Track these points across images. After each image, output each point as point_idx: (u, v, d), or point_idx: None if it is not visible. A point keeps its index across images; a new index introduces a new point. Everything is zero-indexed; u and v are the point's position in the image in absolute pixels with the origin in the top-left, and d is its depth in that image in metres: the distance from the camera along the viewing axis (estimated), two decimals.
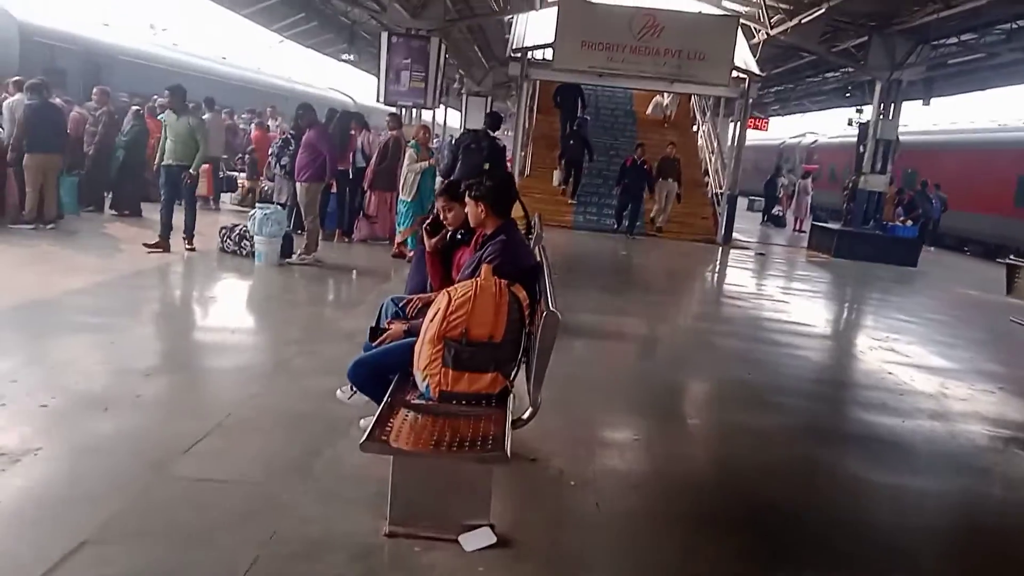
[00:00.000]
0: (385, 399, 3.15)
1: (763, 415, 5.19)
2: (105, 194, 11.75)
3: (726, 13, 16.94)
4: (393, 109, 15.52)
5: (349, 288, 8.90)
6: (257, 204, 9.92)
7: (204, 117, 13.63)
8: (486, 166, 9.11)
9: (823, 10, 14.62)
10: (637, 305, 9.18)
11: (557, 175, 17.10)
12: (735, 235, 16.44)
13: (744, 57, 16.34)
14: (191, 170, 8.70)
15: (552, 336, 2.84)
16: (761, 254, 15.43)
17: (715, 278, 13.01)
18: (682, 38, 15.16)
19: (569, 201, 16.84)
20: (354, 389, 3.82)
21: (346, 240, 11.14)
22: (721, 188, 16.90)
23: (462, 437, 2.90)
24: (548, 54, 15.79)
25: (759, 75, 16.46)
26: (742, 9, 17.40)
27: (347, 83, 33.46)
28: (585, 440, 4.38)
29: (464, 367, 3.14)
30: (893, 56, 16.03)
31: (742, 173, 17.03)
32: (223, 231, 9.33)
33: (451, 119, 35.71)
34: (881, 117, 16.58)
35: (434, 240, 4.20)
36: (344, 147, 11.37)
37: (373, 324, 4.00)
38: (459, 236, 4.14)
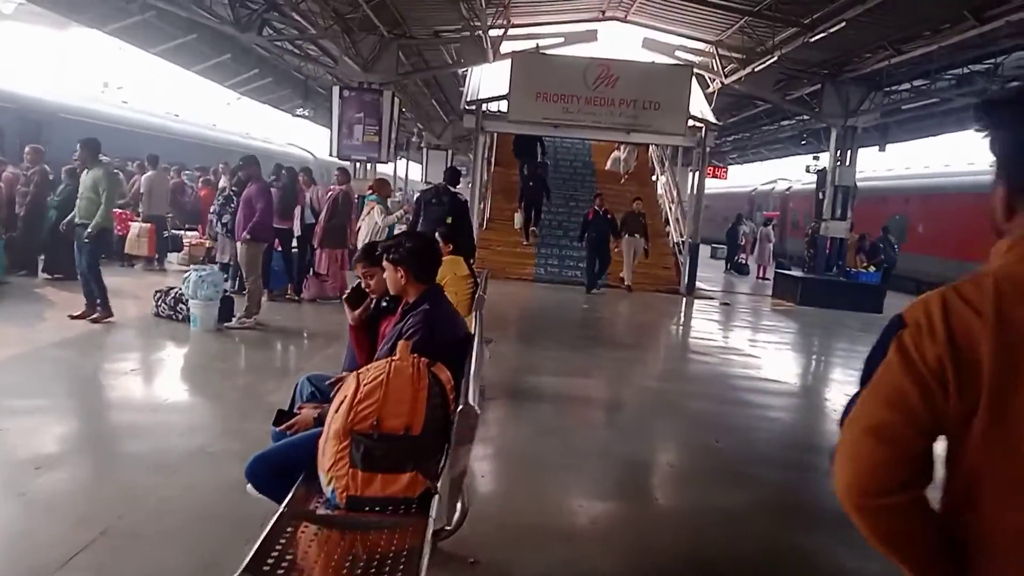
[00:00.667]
0: (280, 509, 2.63)
1: (734, 492, 4.70)
2: (38, 257, 11.13)
3: (679, 63, 16.98)
4: (347, 164, 15.21)
5: (292, 354, 8.33)
6: (192, 266, 9.37)
7: (147, 175, 13.21)
8: (448, 220, 9.05)
9: (775, 58, 14.65)
10: (599, 363, 8.72)
11: (518, 217, 16.87)
12: (699, 284, 16.19)
13: (699, 106, 16.33)
14: (90, 228, 7.89)
15: (468, 436, 2.36)
16: (726, 304, 15.16)
17: (680, 331, 12.64)
18: (637, 88, 15.09)
19: (531, 241, 16.68)
20: None
21: (295, 300, 10.62)
22: (682, 237, 16.71)
23: (371, 555, 2.39)
24: (503, 106, 15.63)
25: (715, 124, 16.42)
26: (696, 59, 17.45)
27: (306, 138, 33.14)
28: (535, 532, 3.88)
29: (376, 467, 2.63)
30: (847, 103, 16.11)
31: (707, 221, 16.87)
32: (157, 294, 8.77)
33: (413, 173, 35.48)
34: (838, 164, 16.59)
35: (356, 312, 3.74)
36: (292, 203, 10.96)
37: (287, 407, 3.49)
38: (384, 304, 3.68)
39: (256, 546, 2.29)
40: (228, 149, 22.23)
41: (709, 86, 17.89)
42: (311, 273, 10.98)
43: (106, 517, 3.60)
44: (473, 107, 15.79)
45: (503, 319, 11.53)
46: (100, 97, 21.76)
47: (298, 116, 22.62)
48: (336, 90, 14.98)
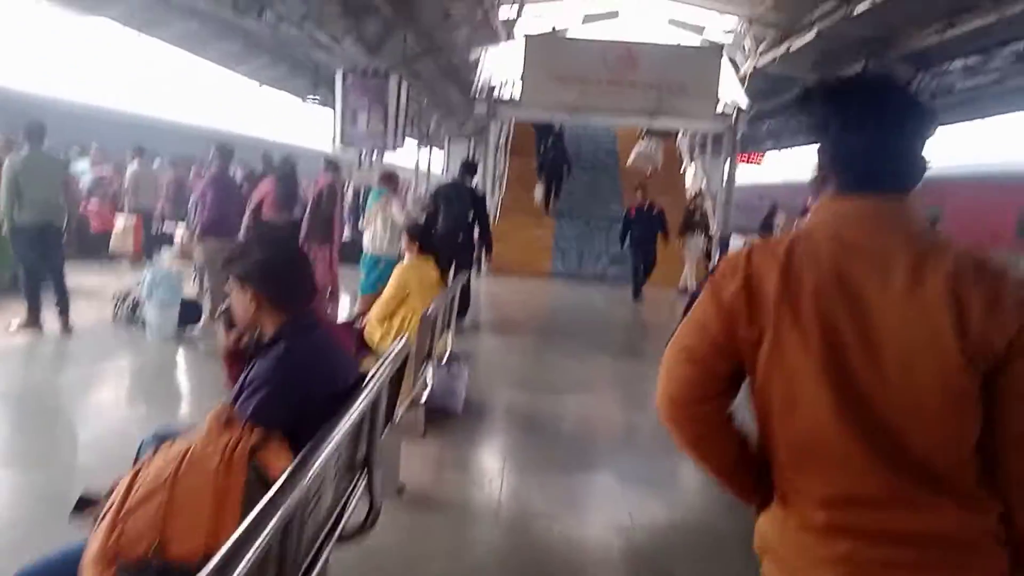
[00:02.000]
0: None
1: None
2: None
3: (709, 43, 15.79)
4: (349, 155, 14.35)
5: None
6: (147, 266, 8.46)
7: (131, 170, 12.43)
8: (470, 217, 9.06)
9: (813, 33, 13.37)
10: (602, 375, 7.64)
11: (539, 190, 15.86)
12: None
13: (731, 89, 15.11)
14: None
15: None
16: None
17: None
18: (661, 71, 14.00)
19: (547, 216, 15.84)
20: None
21: None
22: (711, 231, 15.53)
23: None
24: (518, 93, 14.61)
25: (747, 109, 15.16)
26: (727, 40, 16.22)
27: (328, 134, 32.30)
28: None
29: None
30: None
31: (759, 212, 15.70)
32: (115, 298, 7.93)
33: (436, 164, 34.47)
34: None
35: (231, 338, 2.72)
36: (292, 194, 10.09)
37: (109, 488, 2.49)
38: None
39: None
40: (248, 146, 21.46)
41: (740, 69, 16.64)
42: None
43: None
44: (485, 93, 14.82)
45: (507, 321, 10.58)
46: (107, 92, 21.19)
47: (308, 101, 21.70)
48: (339, 74, 14.07)
